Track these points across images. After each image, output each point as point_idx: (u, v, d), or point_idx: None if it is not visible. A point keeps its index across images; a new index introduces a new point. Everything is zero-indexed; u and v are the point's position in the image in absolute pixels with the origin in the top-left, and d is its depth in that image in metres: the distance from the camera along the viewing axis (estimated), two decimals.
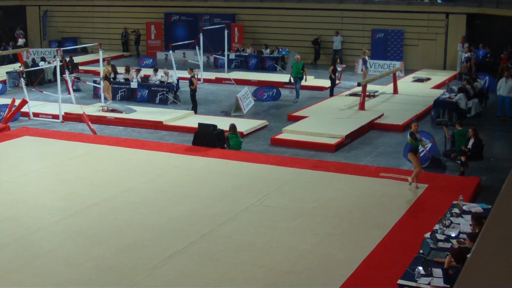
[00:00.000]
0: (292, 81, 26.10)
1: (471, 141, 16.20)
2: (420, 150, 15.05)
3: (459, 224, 11.73)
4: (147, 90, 25.39)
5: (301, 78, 25.62)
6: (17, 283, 10.31)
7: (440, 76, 30.15)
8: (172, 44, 29.75)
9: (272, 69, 32.79)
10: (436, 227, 11.53)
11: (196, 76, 23.52)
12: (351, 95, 25.60)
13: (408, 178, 14.66)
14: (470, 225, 11.33)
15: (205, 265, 10.86)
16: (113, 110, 22.70)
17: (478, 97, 22.75)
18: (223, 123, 19.44)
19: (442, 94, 23.24)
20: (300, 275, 10.51)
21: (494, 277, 4.50)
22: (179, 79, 26.04)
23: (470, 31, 31.91)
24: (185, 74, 24.51)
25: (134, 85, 25.55)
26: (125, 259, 11.09)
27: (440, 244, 10.75)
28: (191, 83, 22.67)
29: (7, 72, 29.20)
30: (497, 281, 4.48)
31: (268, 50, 34.08)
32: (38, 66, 28.68)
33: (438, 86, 27.82)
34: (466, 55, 29.75)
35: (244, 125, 20.59)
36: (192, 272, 10.63)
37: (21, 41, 38.94)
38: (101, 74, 24.47)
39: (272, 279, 10.41)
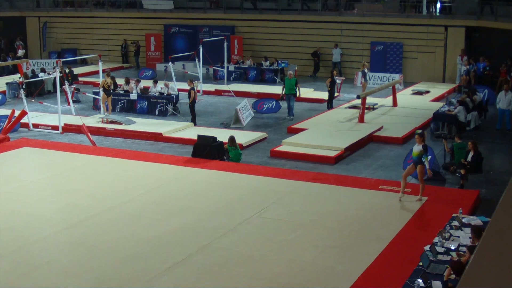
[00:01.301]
0: (285, 98, 24.94)
1: (471, 154, 16.21)
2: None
3: (458, 237, 11.74)
4: (146, 102, 25.41)
5: (295, 95, 24.59)
6: None
7: (440, 89, 30.21)
8: (172, 56, 29.80)
9: (272, 81, 32.81)
10: (436, 239, 11.53)
11: (195, 88, 23.55)
12: (350, 107, 25.62)
13: (403, 194, 14.65)
14: (470, 237, 11.33)
15: (203, 277, 10.83)
16: (112, 122, 22.70)
17: (478, 110, 22.80)
18: (222, 135, 19.44)
19: (442, 107, 23.24)
20: None
21: None
22: (178, 91, 26.09)
23: (469, 44, 31.99)
24: (185, 86, 24.55)
25: (133, 96, 25.57)
26: (123, 271, 11.06)
27: (440, 257, 10.76)
28: (189, 96, 22.70)
29: (6, 83, 29.24)
30: None
31: (267, 62, 34.13)
32: (38, 77, 28.74)
33: (437, 99, 27.87)
34: (466, 68, 29.80)
35: (244, 137, 20.60)
36: (191, 284, 10.60)
37: (20, 52, 39.05)
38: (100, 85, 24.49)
39: None
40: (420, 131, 15.18)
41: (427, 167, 14.30)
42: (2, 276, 10.82)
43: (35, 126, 22.85)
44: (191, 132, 21.17)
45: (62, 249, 12.01)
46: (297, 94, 24.79)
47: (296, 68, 31.73)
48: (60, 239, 12.46)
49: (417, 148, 14.33)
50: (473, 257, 4.91)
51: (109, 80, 24.44)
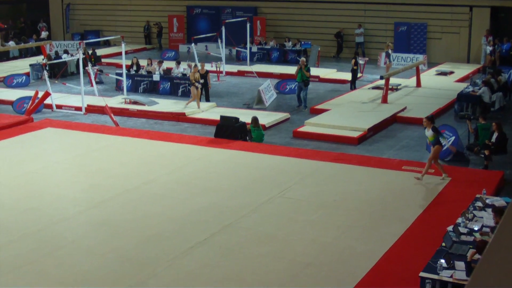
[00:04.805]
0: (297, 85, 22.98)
1: (495, 135, 16.07)
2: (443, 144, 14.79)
3: (482, 217, 11.65)
4: (169, 83, 25.43)
5: (307, 83, 22.67)
6: (39, 272, 10.40)
7: (464, 70, 29.92)
8: (194, 37, 29.79)
9: (295, 62, 32.53)
10: (459, 220, 11.45)
11: (218, 69, 23.39)
12: (373, 88, 25.48)
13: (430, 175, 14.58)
14: (493, 218, 11.24)
15: (226, 257, 10.87)
16: (135, 102, 22.77)
17: (502, 90, 22.57)
18: (245, 115, 19.43)
19: (466, 87, 23.05)
20: (321, 268, 10.49)
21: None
22: None
23: (494, 24, 31.60)
24: (208, 67, 24.48)
25: (156, 77, 25.61)
26: (146, 250, 11.14)
27: (463, 238, 10.68)
28: (207, 80, 22.72)
29: (30, 65, 29.45)
30: None
31: (290, 43, 33.99)
32: (61, 58, 28.84)
33: (461, 80, 27.61)
34: (491, 48, 29.46)
35: (266, 117, 20.58)
36: (213, 263, 10.65)
37: (44, 34, 39.19)
38: (192, 78, 22.38)
39: (293, 271, 10.39)
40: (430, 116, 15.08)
41: (447, 145, 14.28)
42: (27, 255, 10.94)
43: (59, 107, 22.98)
44: (214, 112, 21.17)
45: (86, 229, 12.11)
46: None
47: (319, 49, 31.58)
48: (84, 219, 12.56)
49: (428, 133, 14.30)
50: (493, 237, 4.85)
51: (197, 75, 22.42)
